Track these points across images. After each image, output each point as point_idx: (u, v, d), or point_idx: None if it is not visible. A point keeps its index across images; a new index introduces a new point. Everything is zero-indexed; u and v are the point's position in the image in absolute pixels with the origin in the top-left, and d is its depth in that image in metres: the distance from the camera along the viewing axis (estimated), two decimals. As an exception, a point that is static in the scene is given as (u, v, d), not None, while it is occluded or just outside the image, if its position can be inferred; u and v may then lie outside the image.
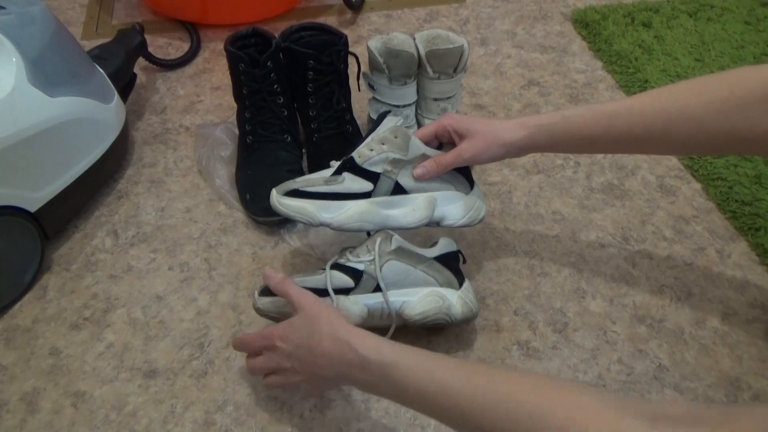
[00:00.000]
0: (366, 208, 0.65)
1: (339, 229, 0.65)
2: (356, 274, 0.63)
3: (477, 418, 0.45)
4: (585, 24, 1.14)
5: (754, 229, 0.79)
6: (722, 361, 0.67)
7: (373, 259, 0.63)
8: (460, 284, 0.66)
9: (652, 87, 0.99)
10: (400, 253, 0.64)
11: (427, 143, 0.67)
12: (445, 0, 1.22)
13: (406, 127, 0.70)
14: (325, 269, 0.64)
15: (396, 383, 0.50)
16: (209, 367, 0.66)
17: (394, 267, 0.63)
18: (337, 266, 0.64)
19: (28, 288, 0.72)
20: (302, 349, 0.55)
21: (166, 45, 1.10)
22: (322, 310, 0.56)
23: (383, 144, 0.65)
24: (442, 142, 0.69)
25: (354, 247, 0.66)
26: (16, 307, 0.71)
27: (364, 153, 0.66)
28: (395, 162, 0.66)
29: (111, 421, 0.61)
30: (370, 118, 0.88)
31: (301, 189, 0.65)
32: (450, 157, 0.65)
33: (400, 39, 0.83)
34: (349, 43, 0.80)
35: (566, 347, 0.68)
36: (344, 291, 0.63)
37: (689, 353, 0.68)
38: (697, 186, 0.86)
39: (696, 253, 0.78)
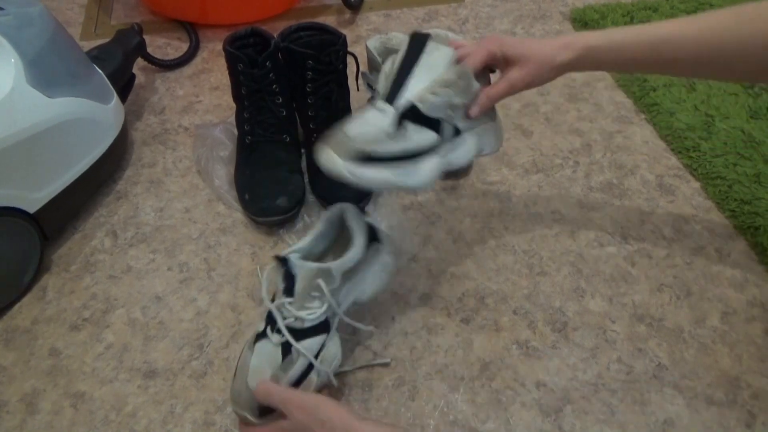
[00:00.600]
0: (437, 164, 0.59)
1: (414, 192, 0.60)
2: (325, 326, 0.59)
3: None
4: (584, 23, 1.14)
5: (753, 228, 0.79)
6: (722, 360, 0.67)
7: (329, 306, 0.58)
8: (381, 240, 0.63)
9: (651, 86, 0.99)
10: (345, 277, 0.60)
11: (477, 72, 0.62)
12: (444, 0, 1.22)
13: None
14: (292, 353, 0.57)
15: None
16: (209, 367, 0.66)
17: (346, 290, 0.60)
18: (299, 333, 0.57)
19: (27, 289, 0.72)
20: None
21: (164, 45, 1.10)
22: (320, 406, 0.51)
23: (448, 88, 0.59)
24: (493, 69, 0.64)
25: (287, 301, 0.57)
26: (16, 307, 0.71)
27: (427, 99, 0.58)
28: (455, 106, 0.60)
29: (110, 422, 0.61)
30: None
31: (373, 154, 0.55)
32: (501, 89, 0.62)
33: (398, 39, 0.83)
34: (348, 43, 0.80)
35: (566, 346, 0.68)
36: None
37: (688, 352, 0.68)
38: (697, 185, 0.86)
39: (695, 252, 0.78)
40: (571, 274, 0.75)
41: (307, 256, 0.62)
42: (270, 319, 0.58)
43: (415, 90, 0.59)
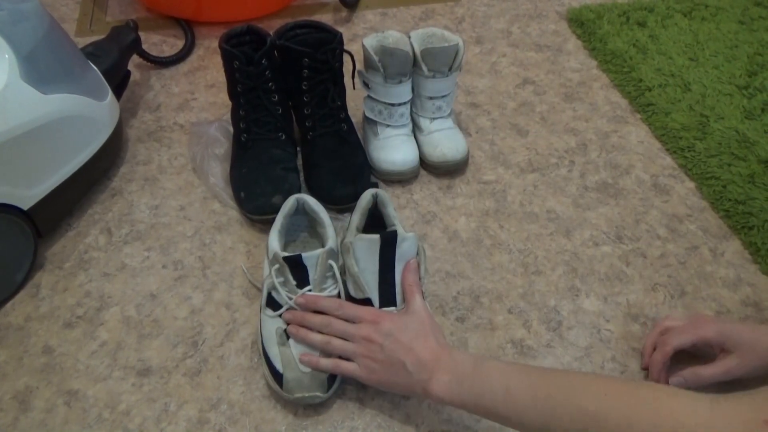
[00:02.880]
0: None
1: None
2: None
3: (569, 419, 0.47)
4: (580, 23, 1.14)
5: (747, 227, 0.79)
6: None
7: (337, 283, 0.65)
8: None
9: (647, 86, 0.99)
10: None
11: (680, 350, 0.62)
12: (441, -2, 1.22)
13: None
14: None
15: (481, 375, 0.53)
16: (203, 365, 0.66)
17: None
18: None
19: (20, 286, 0.72)
20: (400, 347, 0.56)
21: (160, 42, 1.09)
22: (430, 319, 0.60)
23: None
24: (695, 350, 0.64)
25: (308, 290, 0.64)
26: (9, 305, 0.71)
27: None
28: None
29: (104, 420, 0.61)
30: (364, 117, 0.88)
31: None
32: (717, 374, 0.60)
33: (395, 37, 0.83)
34: (344, 41, 0.80)
35: (560, 345, 0.68)
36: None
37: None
38: (691, 185, 0.87)
39: (689, 252, 0.78)
40: (566, 273, 0.75)
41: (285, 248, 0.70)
42: None
43: None
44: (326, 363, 0.60)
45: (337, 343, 0.60)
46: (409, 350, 0.56)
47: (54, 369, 0.65)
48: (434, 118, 0.86)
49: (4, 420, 0.61)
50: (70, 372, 0.65)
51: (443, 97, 0.85)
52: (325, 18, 1.16)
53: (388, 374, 0.57)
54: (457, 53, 0.81)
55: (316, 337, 0.61)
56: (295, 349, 0.62)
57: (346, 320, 0.61)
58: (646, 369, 0.65)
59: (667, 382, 0.62)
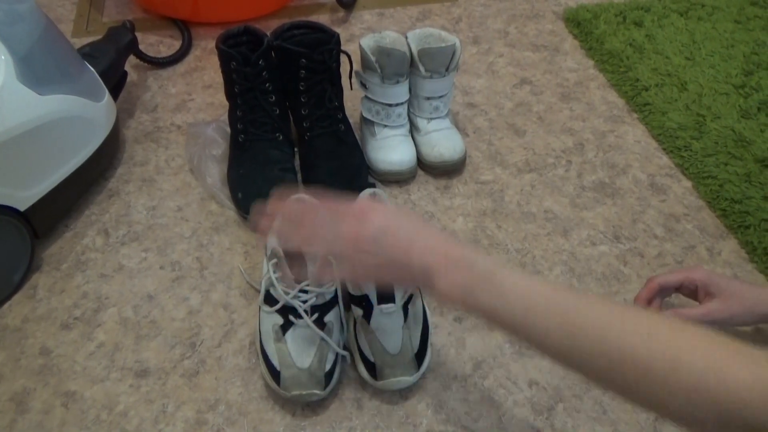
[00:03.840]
0: None
1: None
2: (336, 299, 0.65)
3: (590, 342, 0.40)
4: (577, 23, 1.14)
5: (743, 227, 0.79)
6: (712, 358, 0.67)
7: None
8: None
9: (643, 86, 0.99)
10: None
11: (664, 289, 0.65)
12: (438, -2, 1.22)
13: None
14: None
15: (497, 286, 0.44)
16: (201, 366, 0.66)
17: None
18: (322, 308, 0.64)
19: (17, 287, 0.72)
20: (403, 233, 0.48)
21: (157, 43, 1.09)
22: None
23: None
24: (682, 293, 0.66)
25: (305, 284, 0.63)
26: (6, 306, 0.70)
27: None
28: None
29: (102, 421, 0.61)
30: (362, 117, 0.88)
31: None
32: (698, 314, 0.62)
33: (392, 38, 0.83)
34: (342, 42, 0.80)
35: (558, 345, 0.68)
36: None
37: (680, 350, 0.68)
38: (688, 184, 0.87)
39: (686, 251, 0.78)
40: (564, 272, 0.76)
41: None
42: (286, 310, 0.63)
43: None
44: (311, 272, 0.55)
45: (319, 243, 0.51)
46: (410, 245, 0.48)
47: (51, 370, 0.65)
48: (431, 119, 0.86)
49: (1, 422, 0.61)
50: (68, 373, 0.65)
51: (440, 97, 0.85)
52: (322, 18, 1.16)
53: (383, 273, 0.50)
54: (454, 53, 0.81)
55: (295, 238, 0.52)
56: (291, 345, 0.61)
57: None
58: None
59: None
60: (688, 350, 0.39)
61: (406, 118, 0.86)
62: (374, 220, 0.49)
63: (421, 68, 0.81)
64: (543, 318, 0.43)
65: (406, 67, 0.81)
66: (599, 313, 0.42)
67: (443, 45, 0.80)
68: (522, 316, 0.43)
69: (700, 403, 0.37)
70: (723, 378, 0.36)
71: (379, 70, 0.80)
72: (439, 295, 0.47)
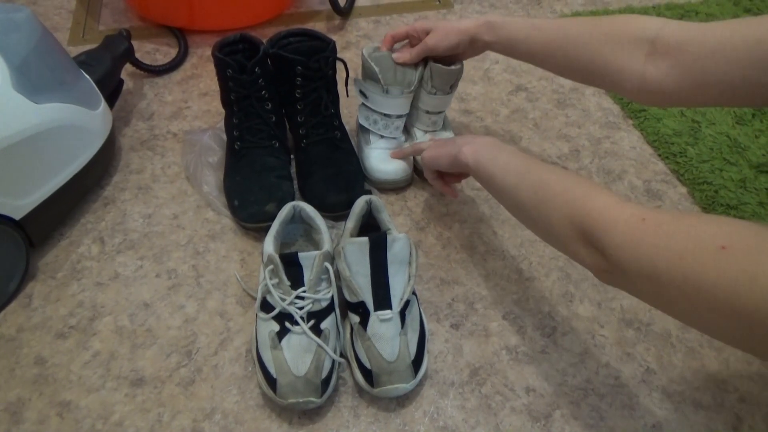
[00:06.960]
0: None
1: None
2: (332, 306, 0.65)
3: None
4: (572, 30, 1.15)
5: (739, 232, 0.79)
6: (709, 364, 0.68)
7: (331, 285, 0.65)
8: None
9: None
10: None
11: (396, 39, 0.81)
12: (434, 6, 1.23)
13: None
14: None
15: (500, 167, 0.63)
16: (197, 375, 0.65)
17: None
18: (318, 315, 0.63)
19: (12, 296, 0.72)
20: (454, 140, 0.72)
21: (153, 51, 1.09)
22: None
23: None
24: (412, 44, 0.81)
25: (301, 291, 0.64)
26: (1, 315, 0.70)
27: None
28: None
29: (97, 431, 0.61)
30: (358, 125, 0.88)
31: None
32: (419, 47, 0.78)
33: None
34: (338, 49, 0.81)
35: (555, 351, 0.68)
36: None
37: (676, 356, 0.68)
38: (683, 190, 0.87)
39: (682, 257, 0.78)
40: (560, 279, 0.76)
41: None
42: (283, 317, 0.63)
43: (399, 288, 0.64)
44: (408, 149, 0.81)
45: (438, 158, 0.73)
46: (455, 141, 0.70)
47: (46, 380, 0.65)
48: (428, 131, 0.86)
49: (-5, 432, 0.60)
50: (63, 383, 0.64)
51: (440, 113, 0.85)
52: (318, 26, 1.16)
53: (442, 149, 0.71)
54: (459, 74, 0.81)
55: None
56: (287, 352, 0.61)
57: None
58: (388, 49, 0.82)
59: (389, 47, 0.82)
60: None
61: (402, 131, 0.86)
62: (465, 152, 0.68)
63: (429, 85, 0.81)
64: (517, 180, 0.61)
65: (415, 82, 0.81)
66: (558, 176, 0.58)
67: (453, 67, 0.80)
68: (511, 190, 0.61)
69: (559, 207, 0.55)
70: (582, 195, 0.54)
71: (381, 82, 0.80)
72: (463, 159, 0.67)
